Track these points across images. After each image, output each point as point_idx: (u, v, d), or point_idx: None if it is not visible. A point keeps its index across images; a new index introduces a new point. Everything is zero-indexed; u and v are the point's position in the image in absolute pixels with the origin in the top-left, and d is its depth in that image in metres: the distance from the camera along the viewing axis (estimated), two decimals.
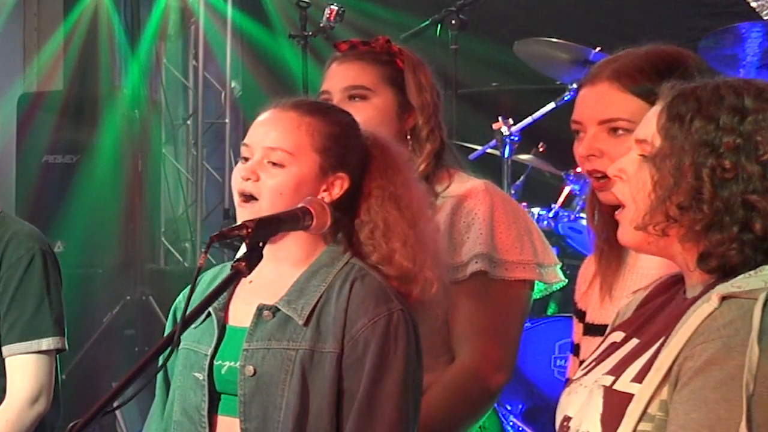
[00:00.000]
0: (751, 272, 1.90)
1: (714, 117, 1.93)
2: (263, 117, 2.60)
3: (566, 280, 3.09)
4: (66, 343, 3.30)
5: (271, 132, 2.56)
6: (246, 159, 2.57)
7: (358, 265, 2.55)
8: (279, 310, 2.52)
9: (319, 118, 2.58)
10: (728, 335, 1.83)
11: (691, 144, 1.93)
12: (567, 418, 2.04)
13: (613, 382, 1.96)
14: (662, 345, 1.91)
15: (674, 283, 2.11)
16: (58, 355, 3.31)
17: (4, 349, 3.25)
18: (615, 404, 1.92)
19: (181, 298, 2.73)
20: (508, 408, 4.76)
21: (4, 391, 3.24)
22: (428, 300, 2.59)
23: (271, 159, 2.54)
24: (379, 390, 2.46)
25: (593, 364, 2.08)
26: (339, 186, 2.56)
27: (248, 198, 2.54)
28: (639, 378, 1.92)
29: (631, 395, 1.90)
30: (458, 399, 2.90)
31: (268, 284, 2.53)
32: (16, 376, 3.23)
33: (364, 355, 2.47)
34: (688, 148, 1.93)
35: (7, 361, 3.25)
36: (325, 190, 2.55)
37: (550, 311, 5.55)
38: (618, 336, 2.10)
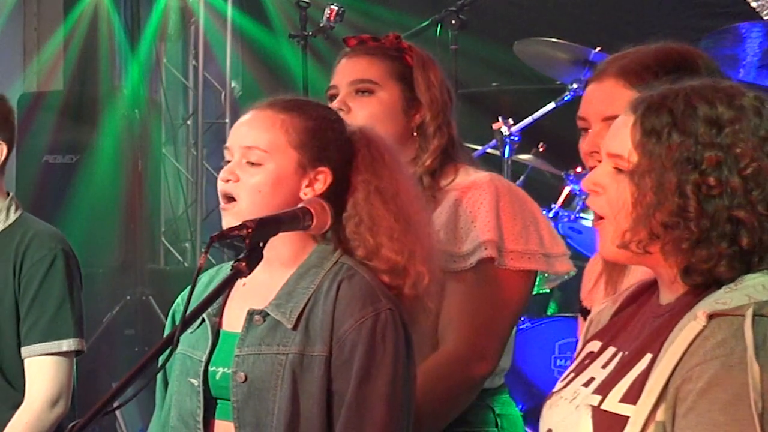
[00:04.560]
0: (731, 285, 1.89)
1: (691, 131, 1.90)
2: (242, 118, 2.61)
3: (575, 269, 3.09)
4: (85, 345, 3.27)
5: (248, 132, 2.57)
6: (228, 161, 2.58)
7: (347, 264, 2.54)
8: (269, 314, 2.52)
9: (294, 114, 2.57)
10: (724, 354, 1.81)
11: (672, 161, 1.90)
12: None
13: (601, 402, 1.93)
14: (651, 364, 1.89)
15: (646, 289, 2.10)
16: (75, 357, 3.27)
17: (24, 350, 3.22)
18: (606, 426, 1.90)
19: (179, 301, 2.73)
20: None
21: (24, 393, 3.20)
22: (422, 294, 2.57)
23: (249, 159, 2.54)
24: (368, 392, 2.44)
25: (572, 375, 2.07)
26: (322, 181, 2.56)
27: (229, 199, 2.55)
28: (628, 398, 1.90)
29: (622, 416, 1.88)
30: (439, 386, 2.85)
31: (259, 287, 2.52)
32: (36, 378, 3.19)
33: (352, 357, 2.45)
34: (669, 165, 1.90)
35: (26, 362, 3.21)
36: (307, 186, 2.55)
37: (550, 311, 5.55)
38: (595, 346, 2.08)
